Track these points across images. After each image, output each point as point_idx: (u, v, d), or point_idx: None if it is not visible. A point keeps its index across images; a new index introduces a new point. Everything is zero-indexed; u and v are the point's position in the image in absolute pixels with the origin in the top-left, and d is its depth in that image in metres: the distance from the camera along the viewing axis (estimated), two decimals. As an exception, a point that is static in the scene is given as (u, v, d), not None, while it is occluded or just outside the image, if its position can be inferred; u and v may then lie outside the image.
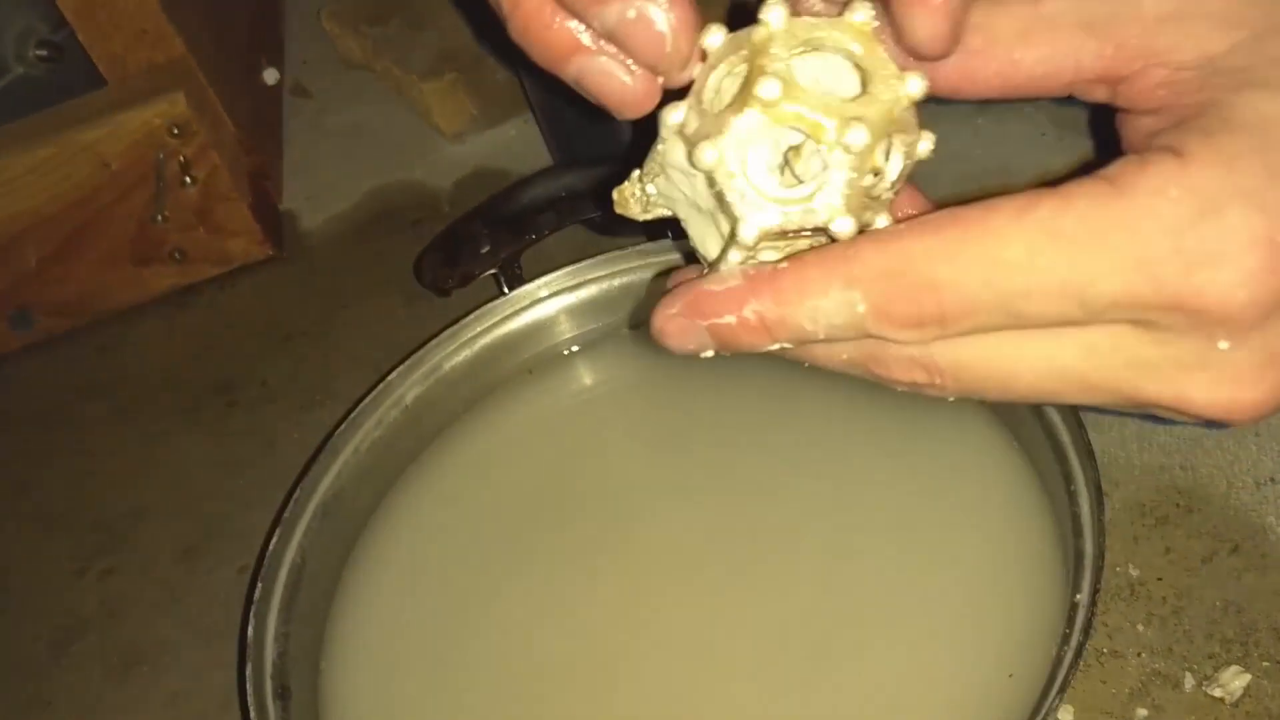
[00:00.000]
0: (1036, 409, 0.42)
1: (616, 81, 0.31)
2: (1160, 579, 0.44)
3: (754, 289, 0.29)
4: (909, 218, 0.29)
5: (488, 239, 0.54)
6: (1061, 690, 0.34)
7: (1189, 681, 0.41)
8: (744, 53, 0.29)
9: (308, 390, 0.61)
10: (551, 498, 0.49)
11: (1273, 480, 0.45)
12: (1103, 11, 0.29)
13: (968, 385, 0.30)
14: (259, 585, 0.43)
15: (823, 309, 0.29)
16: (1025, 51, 0.30)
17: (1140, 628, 0.43)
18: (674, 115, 0.29)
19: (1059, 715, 0.41)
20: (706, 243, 0.31)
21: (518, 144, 0.69)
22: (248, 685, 0.40)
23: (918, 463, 0.46)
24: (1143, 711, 0.41)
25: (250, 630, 0.42)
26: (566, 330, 0.53)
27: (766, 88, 0.27)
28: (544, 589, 0.46)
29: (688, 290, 0.30)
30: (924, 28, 0.29)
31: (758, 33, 0.28)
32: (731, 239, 0.29)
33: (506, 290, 0.53)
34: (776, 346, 0.30)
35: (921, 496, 0.45)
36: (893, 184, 0.29)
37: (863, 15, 0.28)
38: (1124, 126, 0.31)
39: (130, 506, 0.60)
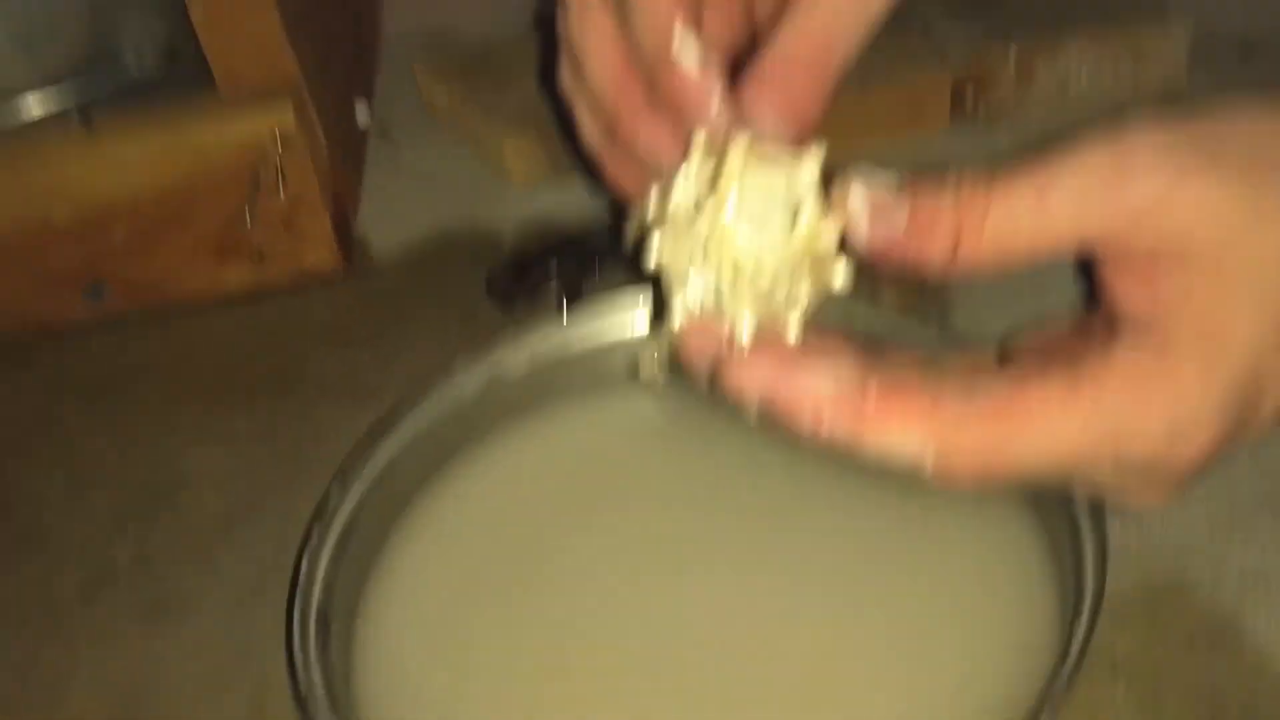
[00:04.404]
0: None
1: None
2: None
3: (840, 408, 0.33)
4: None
5: (556, 270, 0.59)
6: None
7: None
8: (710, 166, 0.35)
9: (362, 389, 0.65)
10: (595, 502, 0.52)
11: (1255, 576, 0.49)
12: (1098, 209, 0.32)
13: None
14: (314, 528, 0.46)
15: (893, 446, 0.33)
16: (1030, 257, 0.33)
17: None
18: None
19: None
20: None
21: (583, 200, 0.74)
22: (295, 606, 0.43)
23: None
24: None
25: (304, 562, 0.45)
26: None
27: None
28: (570, 580, 0.49)
29: (772, 373, 0.34)
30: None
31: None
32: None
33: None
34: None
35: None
36: (804, 306, 0.35)
37: (809, 173, 0.34)
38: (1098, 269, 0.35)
39: (175, 474, 0.63)
